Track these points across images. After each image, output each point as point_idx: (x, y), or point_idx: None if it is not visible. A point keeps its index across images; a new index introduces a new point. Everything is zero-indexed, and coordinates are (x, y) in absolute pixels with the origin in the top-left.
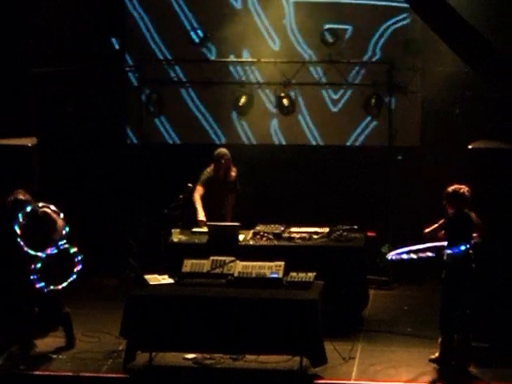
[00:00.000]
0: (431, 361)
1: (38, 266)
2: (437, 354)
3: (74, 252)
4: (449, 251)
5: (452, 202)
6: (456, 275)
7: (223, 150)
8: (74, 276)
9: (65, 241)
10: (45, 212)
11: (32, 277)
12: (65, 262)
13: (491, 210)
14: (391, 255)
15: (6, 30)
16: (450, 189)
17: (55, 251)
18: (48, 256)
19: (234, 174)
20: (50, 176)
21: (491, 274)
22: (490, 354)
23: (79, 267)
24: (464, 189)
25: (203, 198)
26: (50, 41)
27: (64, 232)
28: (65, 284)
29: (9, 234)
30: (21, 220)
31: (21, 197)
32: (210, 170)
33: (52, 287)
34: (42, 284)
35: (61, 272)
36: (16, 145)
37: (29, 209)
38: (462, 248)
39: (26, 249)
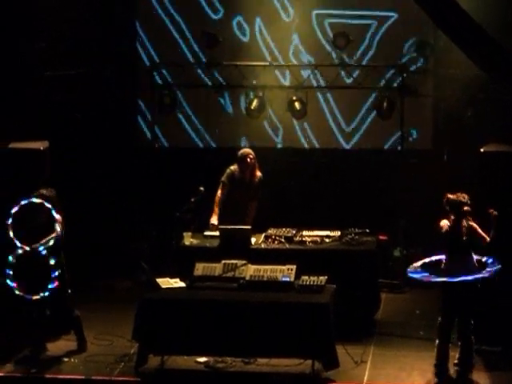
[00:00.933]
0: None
1: (10, 259)
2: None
3: (52, 264)
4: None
5: (451, 209)
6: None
7: (248, 150)
8: (46, 292)
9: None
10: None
11: (6, 271)
12: (39, 270)
13: (502, 212)
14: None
15: (19, 34)
16: (451, 196)
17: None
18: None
19: (259, 174)
20: (62, 179)
21: (503, 277)
22: (502, 358)
23: (54, 284)
24: (466, 197)
25: (224, 199)
26: (60, 44)
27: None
28: (36, 297)
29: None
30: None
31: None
32: (234, 168)
33: (22, 294)
34: (12, 284)
35: (33, 280)
36: (28, 148)
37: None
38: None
39: (12, 237)
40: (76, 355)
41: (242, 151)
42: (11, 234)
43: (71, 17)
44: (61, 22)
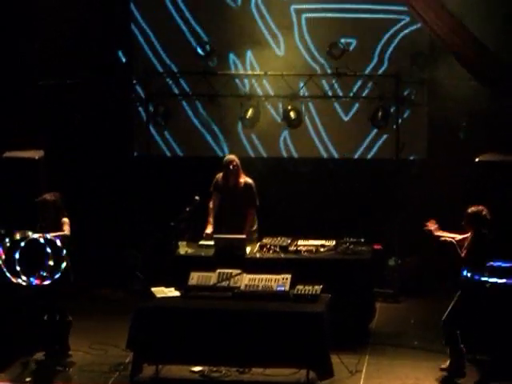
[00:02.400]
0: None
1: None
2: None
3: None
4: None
5: (472, 223)
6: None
7: (231, 156)
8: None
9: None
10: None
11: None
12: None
13: (498, 222)
14: None
15: (13, 42)
16: (471, 210)
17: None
18: None
19: (242, 180)
20: (57, 188)
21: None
22: (493, 367)
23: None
24: (485, 210)
25: (217, 207)
26: (56, 53)
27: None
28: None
29: None
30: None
31: (48, 197)
32: (219, 176)
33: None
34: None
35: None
36: (23, 157)
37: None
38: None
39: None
40: (70, 365)
41: (225, 158)
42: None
43: (65, 27)
44: (54, 31)
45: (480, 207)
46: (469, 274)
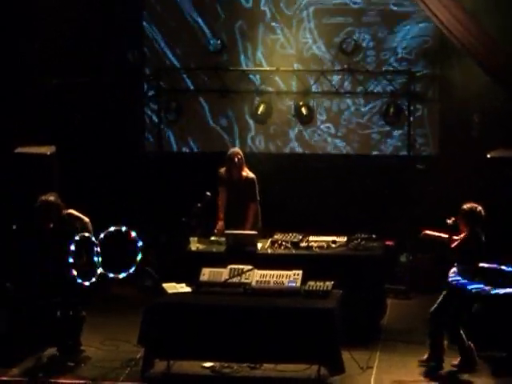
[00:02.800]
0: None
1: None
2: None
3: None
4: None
5: (467, 220)
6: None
7: (236, 149)
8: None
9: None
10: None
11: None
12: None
13: (509, 218)
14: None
15: (25, 42)
16: (466, 206)
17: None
18: None
19: (245, 174)
20: (70, 184)
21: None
22: (507, 363)
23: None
24: (479, 207)
25: (226, 203)
26: (68, 52)
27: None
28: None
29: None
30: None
31: (51, 198)
32: (222, 170)
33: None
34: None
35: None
36: (35, 153)
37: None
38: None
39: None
40: (82, 360)
41: (230, 151)
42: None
43: (73, 19)
44: (66, 31)
45: (475, 204)
46: (457, 278)
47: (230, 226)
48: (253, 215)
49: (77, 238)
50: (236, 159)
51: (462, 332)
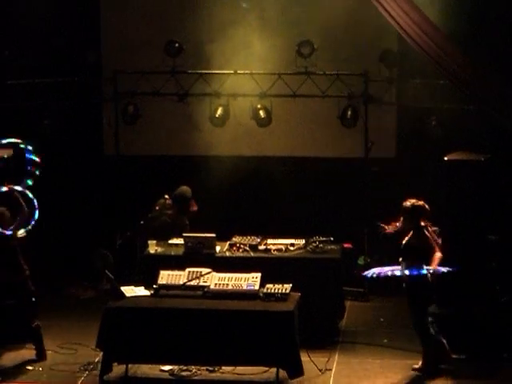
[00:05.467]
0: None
1: None
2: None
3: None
4: (407, 272)
5: (411, 217)
6: (415, 290)
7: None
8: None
9: None
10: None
11: None
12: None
13: (465, 220)
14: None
15: None
16: (408, 203)
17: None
18: None
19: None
20: (27, 187)
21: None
22: (467, 365)
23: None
24: (421, 202)
25: None
26: (25, 53)
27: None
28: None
29: None
30: None
31: None
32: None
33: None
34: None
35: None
36: None
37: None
38: (424, 272)
39: None
40: (40, 364)
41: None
42: None
43: (36, 26)
44: (24, 31)
45: (416, 200)
46: (406, 272)
47: None
48: None
49: None
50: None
51: (431, 330)
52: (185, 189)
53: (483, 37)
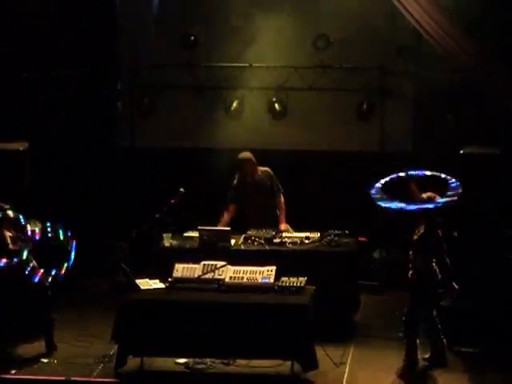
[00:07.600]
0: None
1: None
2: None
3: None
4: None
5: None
6: (421, 283)
7: (243, 155)
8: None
9: None
10: None
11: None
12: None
13: (481, 214)
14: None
15: None
16: (425, 195)
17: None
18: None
19: (260, 173)
20: (42, 180)
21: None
22: (481, 359)
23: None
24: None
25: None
26: (41, 46)
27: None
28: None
29: None
30: None
31: None
32: (234, 184)
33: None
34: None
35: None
36: (7, 149)
37: None
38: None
39: None
40: (55, 356)
41: (239, 157)
42: None
43: (51, 20)
44: (39, 24)
45: (433, 194)
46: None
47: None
48: (283, 207)
49: None
50: (246, 165)
51: (438, 326)
52: None
53: (497, 23)
